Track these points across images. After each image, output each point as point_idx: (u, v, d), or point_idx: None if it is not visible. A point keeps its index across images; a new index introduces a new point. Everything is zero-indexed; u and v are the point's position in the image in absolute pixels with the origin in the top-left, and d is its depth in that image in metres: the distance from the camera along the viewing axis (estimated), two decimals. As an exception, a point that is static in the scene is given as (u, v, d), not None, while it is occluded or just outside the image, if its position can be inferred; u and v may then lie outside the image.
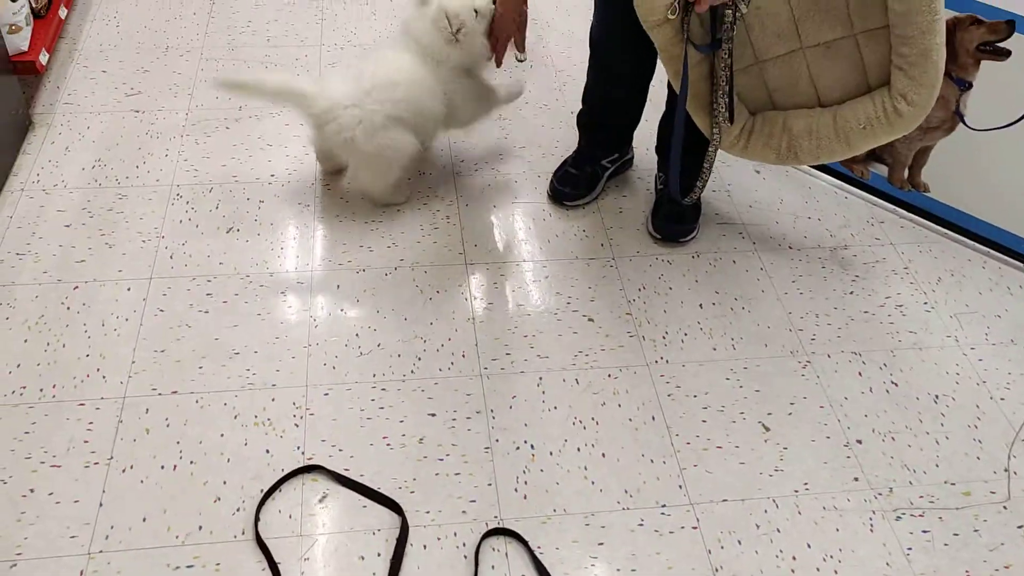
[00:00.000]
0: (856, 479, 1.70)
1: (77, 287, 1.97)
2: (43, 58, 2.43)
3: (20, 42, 2.36)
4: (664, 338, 1.96)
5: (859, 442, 1.77)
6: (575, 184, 2.29)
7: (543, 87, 2.72)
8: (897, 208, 2.33)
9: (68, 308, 1.92)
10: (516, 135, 2.51)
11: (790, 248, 2.21)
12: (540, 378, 1.85)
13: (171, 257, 2.06)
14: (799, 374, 1.90)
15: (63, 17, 2.65)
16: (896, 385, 1.89)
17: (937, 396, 1.87)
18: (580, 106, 2.32)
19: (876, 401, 1.85)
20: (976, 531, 1.63)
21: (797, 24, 1.83)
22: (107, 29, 2.85)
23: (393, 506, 1.59)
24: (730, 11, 1.80)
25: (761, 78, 1.93)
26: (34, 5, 2.49)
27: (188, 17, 2.93)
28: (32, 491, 1.58)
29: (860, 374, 1.90)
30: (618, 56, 2.12)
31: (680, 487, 1.67)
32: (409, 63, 2.09)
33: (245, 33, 2.87)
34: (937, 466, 1.73)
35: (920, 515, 1.65)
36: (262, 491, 1.60)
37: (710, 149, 2.00)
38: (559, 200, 2.29)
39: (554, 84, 2.73)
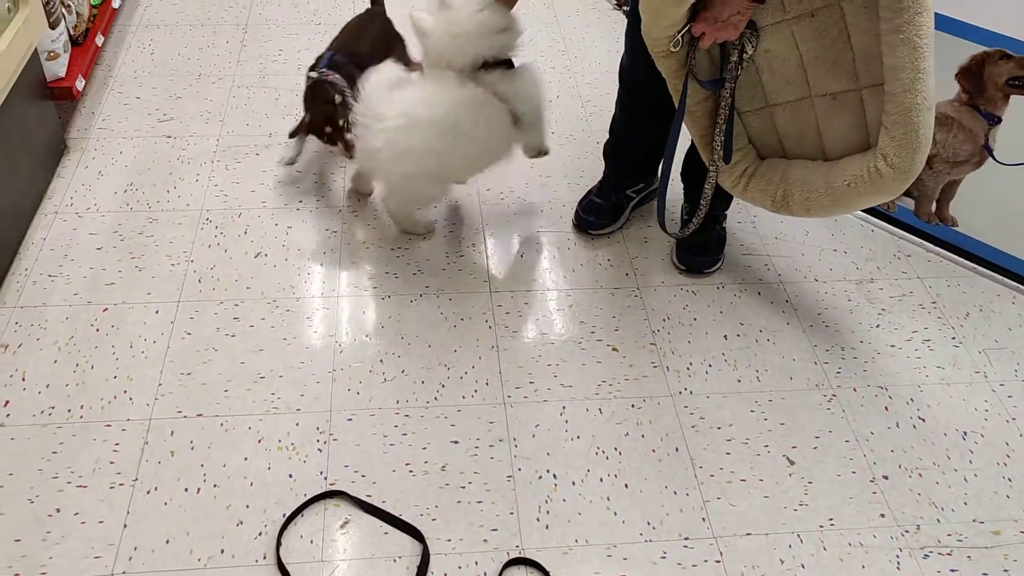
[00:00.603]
0: (882, 515, 1.68)
1: (106, 309, 1.99)
2: (79, 84, 2.47)
3: (58, 68, 2.41)
4: (688, 369, 1.95)
5: (885, 478, 1.75)
6: (600, 213, 2.29)
7: (570, 117, 2.73)
8: (924, 242, 2.32)
9: (97, 330, 1.94)
10: (542, 164, 2.52)
11: (816, 280, 2.20)
12: (563, 407, 1.85)
13: (199, 281, 2.08)
14: (824, 407, 1.88)
15: (99, 44, 2.71)
16: (923, 420, 1.87)
17: (965, 433, 1.85)
18: (606, 136, 2.33)
19: (903, 436, 1.83)
20: (1006, 571, 1.60)
21: (806, 71, 1.80)
22: (142, 56, 2.90)
23: (415, 533, 1.59)
24: (736, 50, 1.81)
25: (772, 122, 1.92)
26: (72, 32, 2.54)
27: (221, 45, 2.98)
28: (58, 511, 1.60)
29: (887, 409, 1.89)
30: (645, 87, 2.13)
31: (703, 520, 1.66)
32: (441, 98, 1.97)
33: (276, 61, 2.92)
34: (965, 504, 1.71)
35: (948, 554, 1.62)
36: (284, 516, 1.60)
37: (706, 187, 2.02)
38: (584, 229, 2.30)
39: (580, 114, 2.75)
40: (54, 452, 1.69)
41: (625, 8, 2.02)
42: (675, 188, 2.38)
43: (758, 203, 1.97)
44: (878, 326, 2.09)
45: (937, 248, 2.31)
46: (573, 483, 1.70)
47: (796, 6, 1.74)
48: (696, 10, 1.76)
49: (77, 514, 1.59)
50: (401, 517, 1.61)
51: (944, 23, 2.01)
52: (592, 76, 2.93)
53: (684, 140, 2.25)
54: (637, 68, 2.12)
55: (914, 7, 1.57)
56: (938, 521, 1.68)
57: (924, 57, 1.59)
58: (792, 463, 1.77)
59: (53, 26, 2.33)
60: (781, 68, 1.83)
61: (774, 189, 1.91)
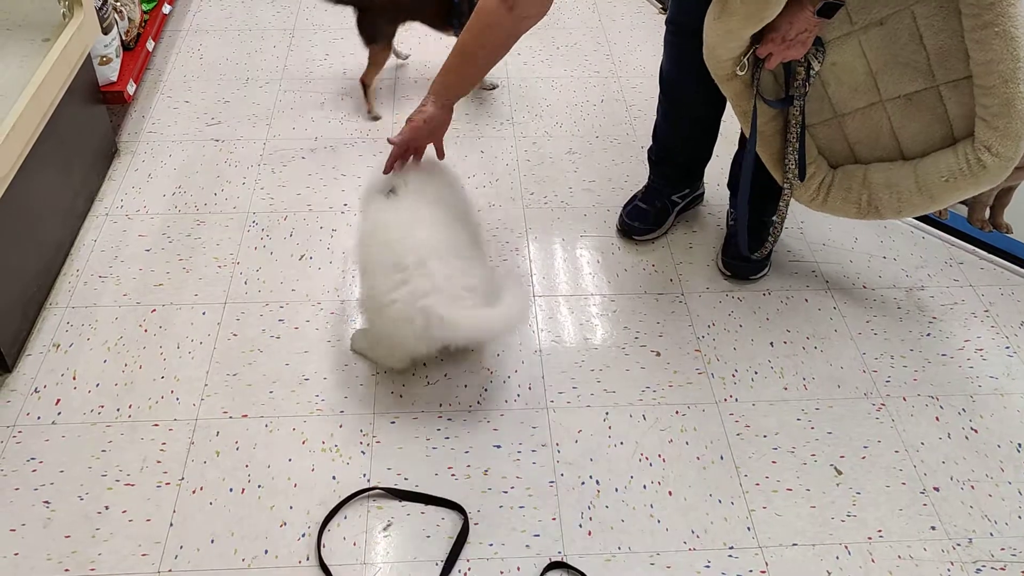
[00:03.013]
0: (933, 528, 1.64)
1: (155, 310, 2.02)
2: (130, 88, 2.52)
3: (110, 73, 2.46)
4: (734, 376, 1.93)
5: (936, 489, 1.71)
6: (644, 219, 2.28)
7: (613, 121, 2.72)
8: (977, 249, 2.27)
9: (146, 330, 1.97)
10: (585, 169, 2.52)
11: (864, 288, 2.17)
12: (606, 413, 1.84)
13: (245, 283, 2.10)
14: (873, 417, 1.85)
15: (150, 49, 2.75)
16: (976, 432, 1.82)
17: (1020, 444, 1.80)
18: (650, 141, 2.32)
19: (954, 448, 1.79)
20: (1062, 588, 1.56)
21: (875, 77, 1.79)
22: (191, 61, 2.94)
23: (455, 507, 1.63)
24: (802, 68, 1.79)
25: (841, 131, 1.91)
26: (124, 38, 2.59)
27: (268, 50, 3.02)
28: (107, 508, 1.62)
29: (937, 419, 1.85)
30: (688, 95, 2.11)
31: (748, 529, 1.63)
32: None
33: (322, 66, 2.94)
34: (1020, 517, 1.66)
35: (1002, 568, 1.58)
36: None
37: (781, 204, 2.00)
38: (628, 235, 2.28)
39: (624, 118, 2.74)
40: (103, 450, 1.72)
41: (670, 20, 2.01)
42: (720, 194, 2.36)
43: (840, 213, 1.96)
44: (929, 335, 2.04)
45: (990, 255, 2.26)
46: (616, 490, 1.69)
47: (863, 16, 1.72)
48: (762, 31, 1.74)
49: (125, 512, 1.62)
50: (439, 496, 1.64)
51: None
52: (637, 80, 2.91)
53: (727, 148, 2.24)
54: (676, 74, 2.10)
55: (1006, 0, 1.57)
56: (991, 535, 1.64)
57: (1022, 47, 1.59)
58: (840, 473, 1.74)
59: (106, 31, 2.37)
60: (848, 78, 1.82)
61: (856, 196, 1.91)
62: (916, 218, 2.34)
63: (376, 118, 2.69)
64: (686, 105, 2.16)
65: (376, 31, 2.62)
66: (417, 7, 2.63)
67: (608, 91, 2.87)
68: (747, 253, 2.09)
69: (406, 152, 1.83)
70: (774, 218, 2.04)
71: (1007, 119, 1.64)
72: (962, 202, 2.22)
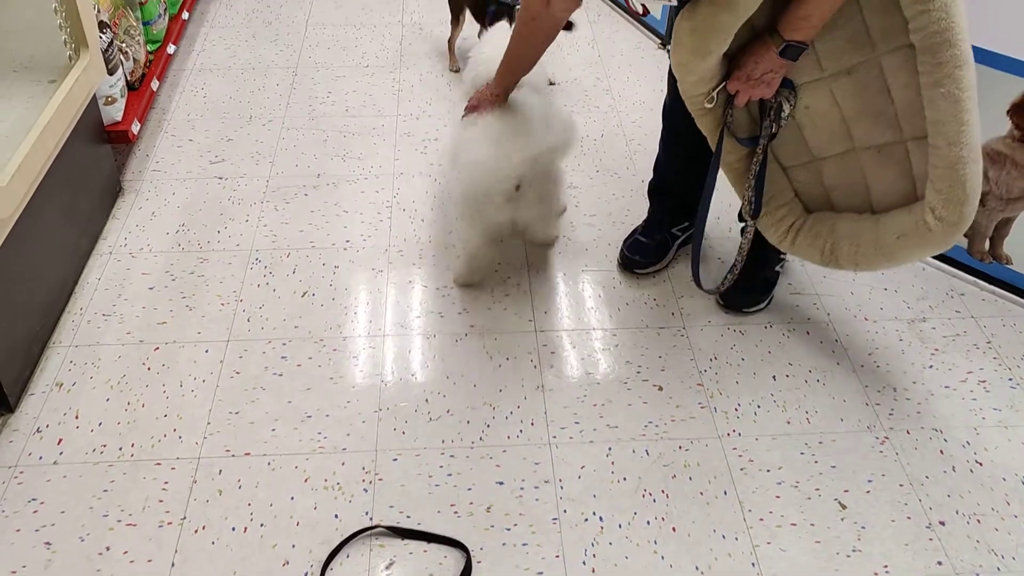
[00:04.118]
0: (940, 563, 1.63)
1: (158, 348, 2.03)
2: (135, 128, 2.54)
3: (115, 113, 2.48)
4: (736, 410, 1.92)
5: (942, 523, 1.70)
6: (645, 252, 2.29)
7: (614, 155, 2.74)
8: (978, 280, 2.27)
9: (149, 368, 1.98)
10: (586, 203, 2.53)
11: (866, 320, 2.17)
12: (609, 448, 1.83)
13: (248, 320, 2.11)
14: (877, 450, 1.84)
15: (155, 89, 2.78)
16: (980, 465, 1.81)
17: (1025, 477, 1.79)
18: (651, 175, 2.33)
19: (959, 481, 1.78)
20: (1071, 623, 1.55)
21: (848, 125, 1.79)
22: (195, 100, 2.98)
23: (458, 545, 1.62)
24: (771, 109, 1.81)
25: (819, 175, 1.91)
26: (129, 78, 2.62)
27: (271, 88, 3.05)
28: (108, 549, 1.61)
29: (942, 452, 1.84)
30: (687, 127, 2.13)
31: (753, 565, 1.62)
32: None
33: (325, 103, 2.97)
34: (1026, 552, 1.66)
35: (1009, 603, 1.57)
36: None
37: (742, 241, 2.02)
38: (629, 268, 2.29)
39: (624, 152, 2.75)
40: (105, 490, 1.71)
41: (668, 48, 2.03)
42: (720, 227, 2.37)
43: (806, 257, 1.95)
44: (931, 366, 2.04)
45: (991, 286, 2.26)
46: (620, 526, 1.68)
47: (833, 64, 1.73)
48: (732, 68, 1.77)
49: (126, 552, 1.61)
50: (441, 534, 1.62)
51: (995, 60, 1.98)
52: (637, 115, 2.94)
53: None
54: (678, 109, 2.12)
55: (953, 61, 1.55)
56: (998, 569, 1.62)
57: (967, 110, 1.58)
58: (844, 507, 1.73)
59: (111, 72, 2.40)
60: (824, 123, 1.82)
61: (822, 243, 1.90)
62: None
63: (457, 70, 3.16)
64: (683, 135, 2.17)
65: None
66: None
67: (608, 126, 2.89)
68: (700, 286, 2.09)
69: (473, 110, 2.11)
70: (736, 255, 2.04)
71: (949, 183, 1.63)
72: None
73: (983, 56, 1.99)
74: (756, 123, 1.89)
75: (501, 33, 2.30)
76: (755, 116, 1.89)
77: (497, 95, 2.07)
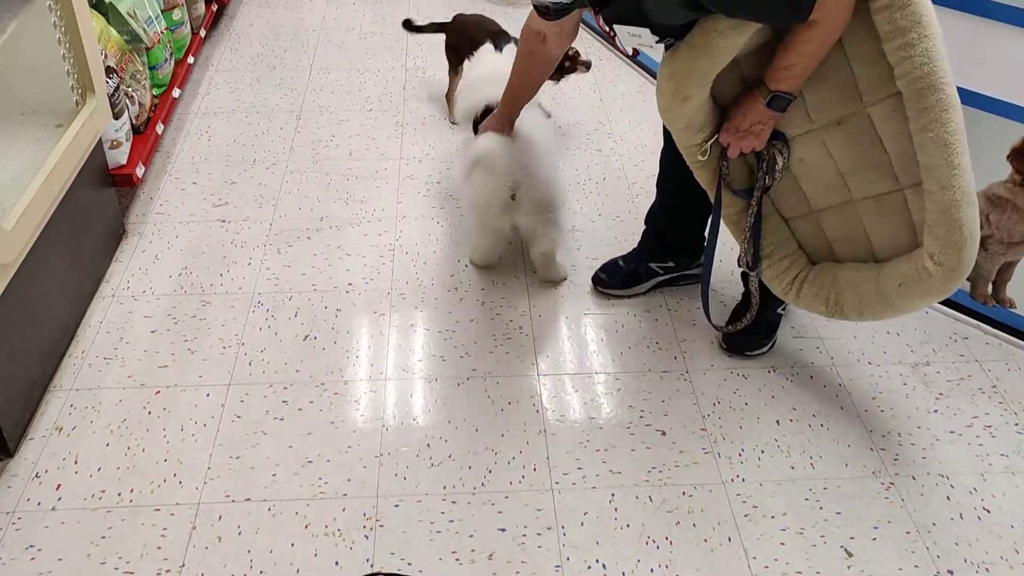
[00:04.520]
0: (948, 612, 1.61)
1: (159, 392, 2.02)
2: (139, 171, 2.56)
3: (120, 156, 2.50)
4: (740, 455, 1.91)
5: (950, 572, 1.68)
6: (613, 274, 2.34)
7: (616, 199, 2.75)
8: (981, 324, 2.27)
9: (149, 413, 1.97)
10: (589, 246, 2.53)
11: (869, 363, 2.16)
12: (612, 494, 1.81)
13: (250, 364, 2.10)
14: (883, 496, 1.83)
15: (160, 132, 2.80)
16: (988, 512, 1.80)
17: (1033, 524, 1.77)
18: (653, 217, 2.36)
19: (967, 528, 1.76)
20: (1083, 675, 1.52)
21: (844, 177, 1.79)
22: (199, 143, 3.00)
23: None
24: (764, 161, 1.83)
25: (820, 227, 1.91)
26: (134, 122, 2.64)
27: (275, 132, 3.07)
28: (105, 597, 1.60)
29: (948, 498, 1.82)
30: (681, 177, 2.14)
31: (759, 615, 1.60)
32: None
33: (329, 147, 2.99)
34: (1036, 601, 1.63)
35: (1020, 655, 1.55)
36: (330, 605, 1.59)
37: (751, 288, 2.04)
38: (595, 284, 2.35)
39: (626, 196, 2.77)
40: (103, 537, 1.70)
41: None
42: (723, 271, 2.37)
43: (812, 309, 1.95)
44: (936, 411, 2.03)
45: (995, 330, 2.25)
46: (623, 573, 1.66)
47: (822, 115, 1.74)
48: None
49: (124, 601, 1.59)
50: (447, 608, 1.59)
51: (995, 105, 2.00)
52: (638, 158, 2.95)
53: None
54: (670, 156, 2.14)
55: (939, 106, 1.56)
56: (1008, 619, 1.60)
57: (957, 153, 1.57)
58: (850, 555, 1.71)
59: (117, 116, 2.42)
60: (820, 175, 1.83)
61: (826, 294, 1.89)
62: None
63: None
64: (675, 182, 2.18)
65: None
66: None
67: (610, 169, 2.91)
68: (711, 323, 2.13)
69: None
70: (751, 300, 2.07)
71: (946, 227, 1.61)
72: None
73: (983, 102, 2.01)
74: (754, 175, 1.90)
75: (487, 56, 2.59)
76: (753, 167, 1.90)
77: (502, 123, 2.20)
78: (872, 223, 1.80)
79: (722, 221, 2.00)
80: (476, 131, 2.41)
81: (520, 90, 2.18)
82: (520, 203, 2.21)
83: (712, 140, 1.84)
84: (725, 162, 1.88)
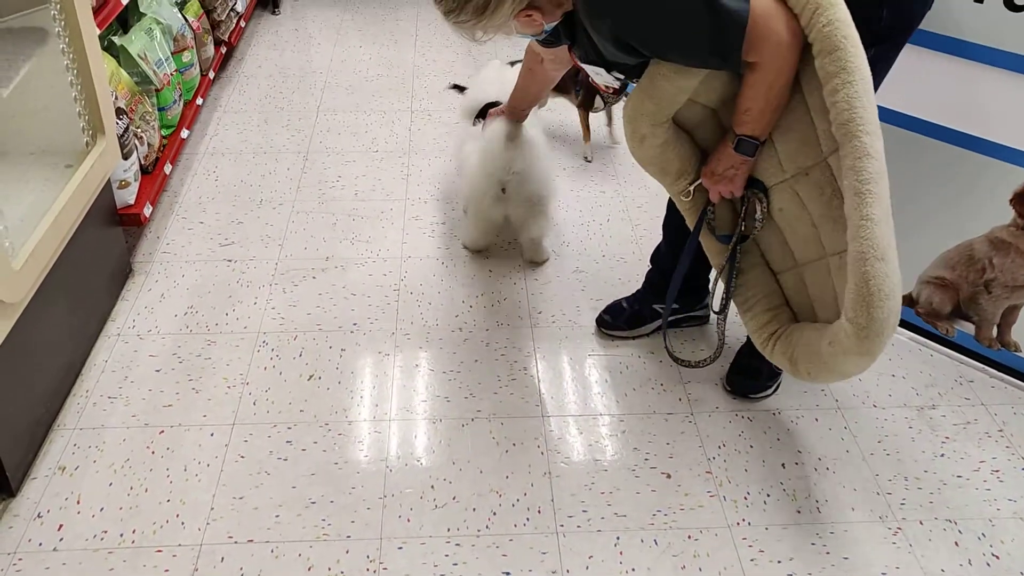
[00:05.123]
0: (958, 661, 1.59)
1: (163, 431, 2.02)
2: (147, 211, 2.57)
3: (128, 196, 2.52)
4: (746, 499, 1.90)
5: (959, 619, 1.66)
6: (616, 315, 2.36)
7: (620, 240, 2.76)
8: (986, 367, 2.26)
9: (153, 452, 1.96)
10: (592, 287, 2.54)
11: (874, 406, 2.15)
12: (617, 537, 1.80)
13: (254, 403, 2.10)
14: (890, 541, 1.81)
15: (167, 172, 2.83)
16: (997, 558, 1.78)
17: (1042, 571, 1.76)
18: (656, 258, 2.37)
19: (976, 574, 1.74)
20: None
21: (818, 229, 1.73)
22: (206, 183, 3.02)
23: None
24: (743, 208, 1.84)
25: (803, 284, 1.85)
26: (143, 162, 2.66)
27: (282, 172, 3.10)
28: (105, 640, 1.58)
29: (957, 544, 1.81)
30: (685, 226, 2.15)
31: (766, 662, 1.58)
32: None
33: (335, 188, 3.01)
34: (1047, 649, 1.61)
35: None
36: (332, 649, 1.57)
37: (717, 325, 2.05)
38: (598, 325, 2.37)
39: (631, 237, 2.78)
40: (105, 578, 1.69)
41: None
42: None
43: (780, 365, 1.85)
44: (942, 455, 2.02)
45: (1001, 373, 2.25)
46: (629, 619, 1.65)
47: (791, 165, 1.73)
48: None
49: (124, 644, 1.58)
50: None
51: (998, 150, 2.02)
52: (642, 200, 2.97)
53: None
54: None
55: (854, 153, 1.52)
56: (1019, 668, 1.58)
57: (868, 204, 1.50)
58: (858, 601, 1.69)
59: (126, 157, 2.45)
60: (799, 227, 1.79)
61: (791, 351, 1.80)
62: (922, 334, 2.35)
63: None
64: (682, 228, 2.19)
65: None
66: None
67: (613, 210, 2.92)
68: (670, 355, 2.12)
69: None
70: (719, 334, 2.06)
71: (854, 281, 1.53)
72: (968, 320, 2.24)
73: (987, 147, 2.03)
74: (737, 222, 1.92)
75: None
76: (740, 213, 1.91)
77: (503, 111, 2.44)
78: (838, 281, 1.70)
79: (713, 267, 2.00)
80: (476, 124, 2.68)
81: (522, 95, 2.37)
82: (510, 197, 2.45)
83: (695, 184, 1.87)
84: (711, 207, 1.90)
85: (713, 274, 2.04)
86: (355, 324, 2.37)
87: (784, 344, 1.84)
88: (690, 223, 1.97)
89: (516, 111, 2.40)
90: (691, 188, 1.87)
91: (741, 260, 1.92)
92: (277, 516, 1.82)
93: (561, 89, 3.19)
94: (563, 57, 2.04)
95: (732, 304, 1.97)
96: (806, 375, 1.75)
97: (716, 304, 2.01)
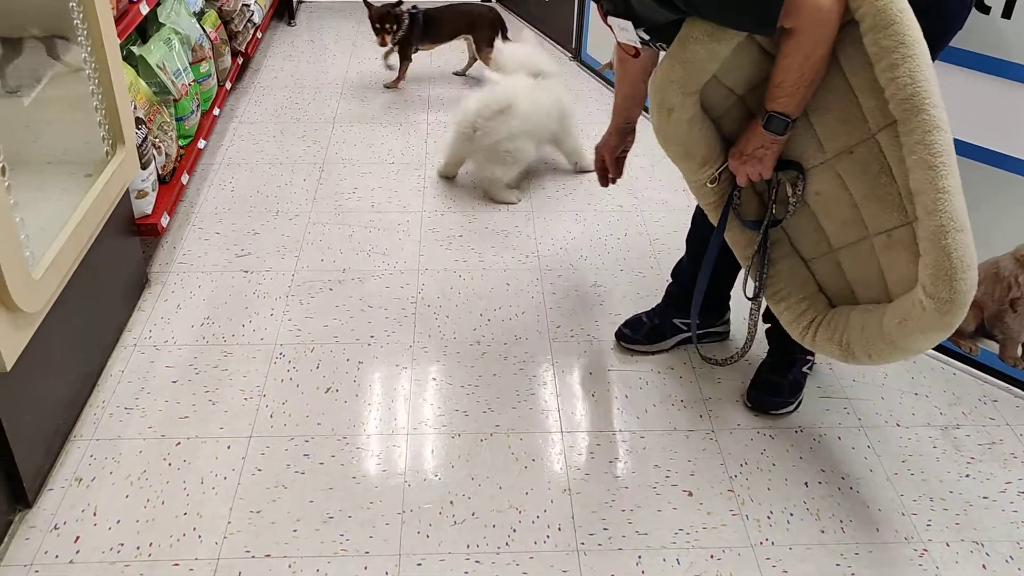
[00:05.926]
0: None
1: (179, 443, 2.00)
2: (164, 221, 2.57)
3: (145, 206, 2.51)
4: (769, 518, 1.87)
5: (988, 644, 1.63)
6: (636, 329, 2.33)
7: (638, 254, 2.75)
8: (1011, 387, 2.24)
9: (170, 464, 1.94)
10: (611, 302, 2.52)
11: (898, 425, 2.13)
12: (639, 556, 1.78)
13: (271, 416, 2.08)
14: (916, 563, 1.78)
15: (184, 183, 2.82)
16: (1025, 581, 1.75)
17: (1072, 595, 1.73)
18: (676, 274, 2.35)
19: (1004, 598, 1.72)
20: None
21: (860, 210, 1.73)
22: (223, 193, 3.02)
23: None
24: (773, 191, 1.82)
25: (839, 268, 1.85)
26: (161, 172, 2.66)
27: (298, 183, 3.09)
28: (122, 655, 1.56)
29: (984, 567, 1.78)
30: (710, 230, 2.14)
31: None
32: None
33: (351, 199, 3.00)
34: (1079, 676, 1.58)
35: None
36: (351, 667, 1.55)
37: (749, 321, 2.03)
38: (618, 339, 2.35)
39: (648, 251, 2.76)
40: (121, 592, 1.67)
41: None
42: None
43: (827, 352, 1.87)
44: (968, 476, 1.99)
45: (1026, 393, 2.22)
46: (651, 640, 1.62)
47: (833, 144, 1.72)
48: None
49: (141, 659, 1.56)
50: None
51: (1022, 166, 1.99)
52: (660, 215, 2.95)
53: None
54: (704, 217, 2.13)
55: (922, 127, 1.51)
56: None
57: (943, 176, 1.50)
58: (885, 624, 1.66)
59: (144, 167, 2.44)
60: (837, 210, 1.78)
61: (839, 336, 1.80)
62: (946, 353, 2.32)
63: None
64: (701, 223, 2.17)
65: None
66: None
67: (631, 225, 2.91)
68: (700, 354, 2.14)
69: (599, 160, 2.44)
70: (748, 334, 2.05)
71: (934, 256, 1.52)
72: (992, 338, 2.21)
73: (1013, 164, 2.00)
74: (765, 208, 1.89)
75: (508, 47, 3.25)
76: (766, 200, 1.89)
77: (610, 133, 2.35)
78: (886, 260, 1.72)
79: (739, 260, 1.98)
80: None
81: (628, 109, 2.27)
82: (479, 140, 2.91)
83: (721, 167, 1.84)
84: (737, 191, 1.87)
85: (742, 273, 2.02)
86: (372, 336, 2.36)
87: (828, 330, 1.84)
88: (713, 218, 1.94)
89: (619, 122, 2.29)
90: (717, 173, 1.85)
91: (771, 250, 1.90)
92: (295, 531, 1.80)
93: None
94: (653, 60, 2.01)
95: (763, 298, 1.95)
96: (866, 357, 1.74)
97: (749, 291, 1.98)
